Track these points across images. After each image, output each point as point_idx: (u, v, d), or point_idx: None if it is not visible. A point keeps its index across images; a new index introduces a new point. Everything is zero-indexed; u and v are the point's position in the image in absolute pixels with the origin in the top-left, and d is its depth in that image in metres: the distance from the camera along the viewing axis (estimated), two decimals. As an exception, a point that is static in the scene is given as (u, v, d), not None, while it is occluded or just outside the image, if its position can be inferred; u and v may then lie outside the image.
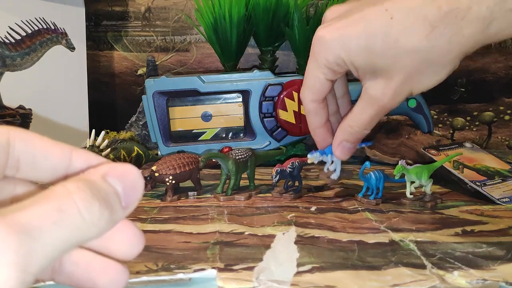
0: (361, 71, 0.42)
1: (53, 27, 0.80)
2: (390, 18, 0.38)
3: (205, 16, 0.80)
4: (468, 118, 0.98)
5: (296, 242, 0.44)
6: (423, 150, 0.67)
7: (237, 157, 0.60)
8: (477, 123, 0.98)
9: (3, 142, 0.21)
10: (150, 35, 0.97)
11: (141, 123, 0.88)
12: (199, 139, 0.78)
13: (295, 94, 0.75)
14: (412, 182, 0.57)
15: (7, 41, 0.75)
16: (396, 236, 0.45)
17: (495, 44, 0.95)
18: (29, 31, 0.77)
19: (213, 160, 0.61)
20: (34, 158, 0.22)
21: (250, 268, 0.37)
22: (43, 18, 0.79)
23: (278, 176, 0.58)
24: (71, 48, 0.83)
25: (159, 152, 0.77)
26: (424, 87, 0.40)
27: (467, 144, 0.71)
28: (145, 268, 0.37)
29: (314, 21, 0.77)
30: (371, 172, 0.57)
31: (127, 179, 0.21)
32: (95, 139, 0.66)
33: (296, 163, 0.60)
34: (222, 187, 0.60)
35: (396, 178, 0.56)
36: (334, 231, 0.47)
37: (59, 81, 0.82)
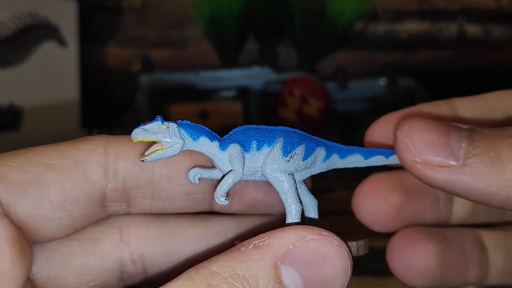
0: None
1: (45, 23, 0.80)
2: None
3: (203, 10, 0.80)
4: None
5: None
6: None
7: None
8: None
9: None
10: (145, 30, 0.97)
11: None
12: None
13: (296, 92, 0.75)
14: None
15: (-3, 37, 0.75)
16: (402, 240, 0.45)
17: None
18: (21, 27, 0.78)
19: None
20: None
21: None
22: (35, 13, 0.79)
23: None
24: (63, 44, 0.83)
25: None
26: None
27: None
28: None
29: (317, 14, 0.77)
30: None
31: (319, 273, 0.11)
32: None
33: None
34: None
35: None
36: (338, 235, 0.47)
37: (50, 78, 0.82)
